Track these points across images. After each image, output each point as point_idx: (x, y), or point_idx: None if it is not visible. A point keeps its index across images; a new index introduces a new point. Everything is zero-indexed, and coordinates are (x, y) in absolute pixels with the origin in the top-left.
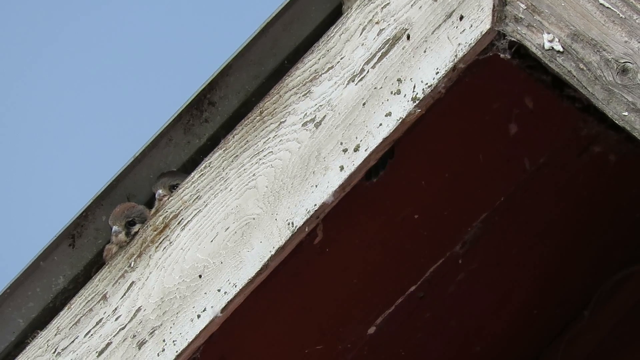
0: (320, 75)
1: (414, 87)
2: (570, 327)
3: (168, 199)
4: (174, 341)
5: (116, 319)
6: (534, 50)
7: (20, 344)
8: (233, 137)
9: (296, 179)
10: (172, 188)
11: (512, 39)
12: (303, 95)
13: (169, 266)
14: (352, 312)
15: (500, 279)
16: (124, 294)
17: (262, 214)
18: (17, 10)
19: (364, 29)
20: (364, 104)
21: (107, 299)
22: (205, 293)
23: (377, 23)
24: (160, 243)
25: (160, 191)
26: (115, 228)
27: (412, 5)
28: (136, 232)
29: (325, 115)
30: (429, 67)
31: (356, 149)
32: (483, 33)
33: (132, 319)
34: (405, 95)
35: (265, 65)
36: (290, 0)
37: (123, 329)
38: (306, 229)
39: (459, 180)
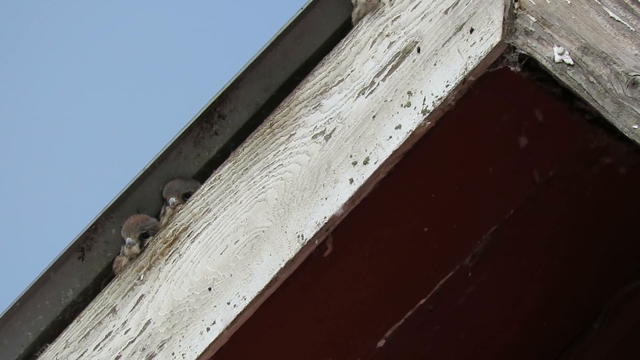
0: (331, 88)
1: (424, 99)
2: (580, 339)
3: (178, 211)
4: (183, 354)
5: (125, 332)
6: (544, 63)
7: (29, 357)
8: (243, 149)
9: (306, 192)
10: (185, 196)
11: (523, 51)
12: (313, 108)
13: (179, 279)
14: (362, 325)
15: (510, 291)
16: (134, 307)
17: (272, 226)
18: (24, 25)
19: (374, 42)
20: (374, 117)
21: (117, 312)
22: (215, 306)
23: (387, 36)
24: (170, 256)
25: (173, 199)
26: (129, 240)
27: (422, 18)
28: (146, 245)
29: (335, 128)
30: (439, 79)
31: (366, 162)
32: (493, 46)
33: (141, 332)
34: (415, 107)
35: (276, 78)
36: (300, 12)
37: (132, 342)
38: (316, 242)
39: (468, 193)
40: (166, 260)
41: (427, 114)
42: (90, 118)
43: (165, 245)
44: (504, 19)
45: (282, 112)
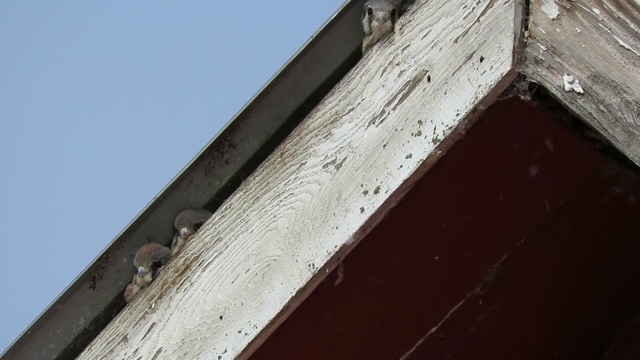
0: (341, 117)
1: (435, 128)
2: None
3: (189, 240)
4: None
5: None
6: (555, 92)
7: None
8: (254, 178)
9: (317, 221)
10: (197, 227)
11: (533, 80)
12: (324, 137)
13: (190, 307)
14: (373, 353)
15: (521, 320)
16: (145, 335)
17: (283, 255)
18: (32, 55)
19: (384, 71)
20: (384, 146)
21: (128, 340)
22: (226, 334)
23: (397, 65)
24: (181, 284)
25: (185, 230)
26: (141, 269)
27: (432, 47)
28: (157, 274)
29: (345, 157)
30: (449, 108)
31: (376, 191)
32: (503, 75)
33: None
34: (425, 136)
35: (286, 106)
36: (310, 41)
37: None
38: (327, 271)
39: (479, 222)
40: (177, 288)
41: (438, 143)
42: (102, 147)
43: (176, 274)
44: (514, 47)
45: (293, 141)
